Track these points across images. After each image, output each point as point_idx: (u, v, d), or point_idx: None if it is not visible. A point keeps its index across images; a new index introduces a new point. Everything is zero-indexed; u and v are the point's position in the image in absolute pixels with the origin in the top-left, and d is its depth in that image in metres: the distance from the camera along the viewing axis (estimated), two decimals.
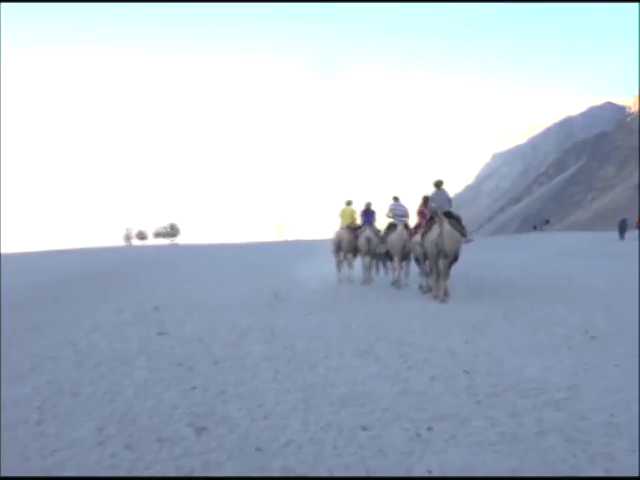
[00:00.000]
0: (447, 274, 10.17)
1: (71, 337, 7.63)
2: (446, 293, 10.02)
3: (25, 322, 8.96)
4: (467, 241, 10.48)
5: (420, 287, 11.83)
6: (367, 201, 14.06)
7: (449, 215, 10.30)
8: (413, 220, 12.84)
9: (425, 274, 11.64)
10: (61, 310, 10.29)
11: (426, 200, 11.92)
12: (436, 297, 10.16)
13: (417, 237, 11.44)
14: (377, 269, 14.42)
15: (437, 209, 10.43)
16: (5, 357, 6.52)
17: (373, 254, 13.60)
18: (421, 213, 12.15)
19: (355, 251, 13.94)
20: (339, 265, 13.92)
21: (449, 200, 10.74)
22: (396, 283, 12.71)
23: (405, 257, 12.69)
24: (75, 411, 4.55)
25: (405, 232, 12.32)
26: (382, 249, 13.26)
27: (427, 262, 11.31)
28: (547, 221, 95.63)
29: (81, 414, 4.47)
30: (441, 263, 10.09)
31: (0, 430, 4.16)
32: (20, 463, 3.61)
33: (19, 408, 4.65)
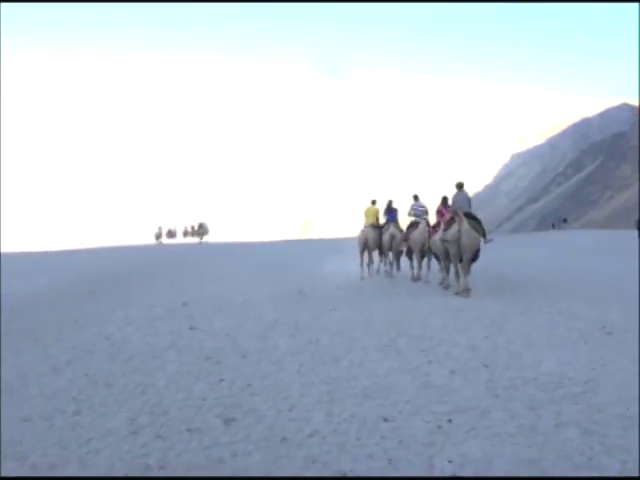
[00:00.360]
0: (468, 271, 10.26)
1: (105, 331, 7.88)
2: (466, 289, 10.11)
3: (63, 317, 9.26)
4: (487, 241, 10.63)
5: (441, 283, 11.92)
6: (389, 199, 14.31)
7: (469, 216, 10.45)
8: (433, 218, 12.98)
9: (445, 270, 11.74)
10: (96, 306, 10.58)
11: (445, 200, 12.18)
12: (457, 293, 10.26)
13: (437, 235, 11.58)
14: (398, 266, 14.56)
15: (458, 209, 10.60)
16: (44, 351, 6.78)
17: (396, 251, 13.77)
18: (440, 212, 12.26)
19: (380, 248, 14.14)
20: (363, 262, 14.10)
21: (469, 201, 10.96)
22: (417, 279, 12.86)
23: (425, 254, 12.82)
24: (109, 402, 4.71)
25: (426, 230, 12.53)
26: (404, 246, 13.45)
27: (447, 259, 11.42)
28: (565, 220, 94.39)
29: (115, 405, 4.63)
30: (461, 260, 10.22)
31: (35, 421, 4.33)
32: (57, 451, 3.75)
33: (57, 399, 4.84)
